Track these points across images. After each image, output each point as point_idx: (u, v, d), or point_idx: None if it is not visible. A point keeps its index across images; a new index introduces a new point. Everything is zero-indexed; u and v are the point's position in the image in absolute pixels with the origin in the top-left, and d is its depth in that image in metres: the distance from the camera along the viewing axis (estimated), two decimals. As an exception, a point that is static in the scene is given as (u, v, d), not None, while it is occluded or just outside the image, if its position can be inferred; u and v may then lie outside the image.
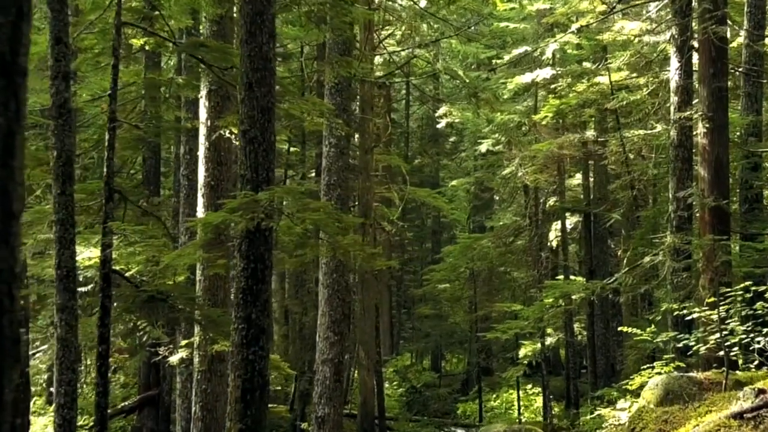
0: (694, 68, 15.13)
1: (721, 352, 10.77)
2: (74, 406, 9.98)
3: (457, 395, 32.42)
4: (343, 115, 15.43)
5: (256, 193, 8.63)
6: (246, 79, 9.06)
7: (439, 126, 32.80)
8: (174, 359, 12.78)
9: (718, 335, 10.74)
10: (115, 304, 11.53)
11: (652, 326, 11.36)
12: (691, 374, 10.67)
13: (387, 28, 25.89)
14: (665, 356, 11.91)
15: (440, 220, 39.24)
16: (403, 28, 25.50)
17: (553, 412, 27.19)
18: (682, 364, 10.34)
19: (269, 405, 26.97)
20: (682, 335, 11.69)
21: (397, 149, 35.18)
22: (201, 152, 12.84)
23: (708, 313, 10.67)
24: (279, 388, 28.88)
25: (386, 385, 31.93)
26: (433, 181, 38.94)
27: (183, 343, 12.79)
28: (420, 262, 39.39)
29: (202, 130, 12.86)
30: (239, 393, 8.79)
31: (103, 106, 19.03)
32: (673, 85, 14.77)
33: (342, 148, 15.55)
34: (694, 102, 14.87)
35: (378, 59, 27.53)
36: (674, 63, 14.78)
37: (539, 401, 28.21)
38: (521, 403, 28.86)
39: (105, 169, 11.11)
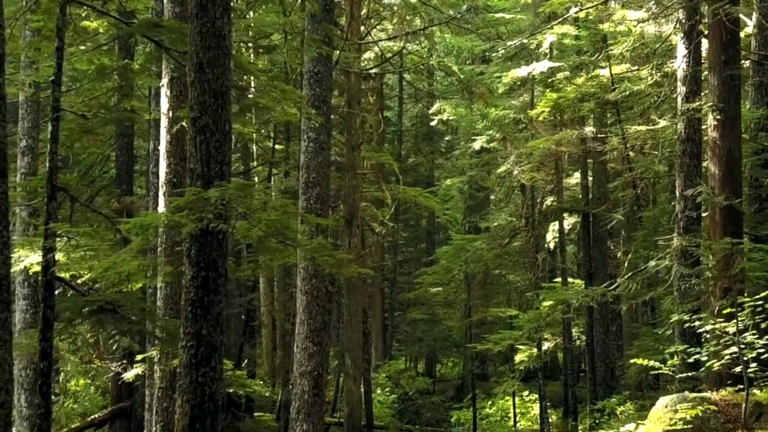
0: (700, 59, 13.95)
1: (737, 368, 9.63)
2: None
3: (451, 402, 31.28)
4: (322, 107, 14.25)
5: (206, 190, 7.46)
6: (196, 58, 7.90)
7: (432, 124, 31.72)
8: (129, 375, 11.61)
9: (733, 349, 9.60)
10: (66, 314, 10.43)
11: (674, 358, 10.12)
12: (704, 394, 9.51)
13: (377, 21, 24.76)
14: (679, 379, 10.68)
15: (435, 220, 38.14)
16: (395, 20, 24.38)
17: (551, 420, 26.09)
18: (712, 407, 9.10)
19: (256, 414, 25.89)
20: (692, 349, 10.52)
21: (390, 147, 34.14)
22: (162, 146, 11.64)
23: (724, 325, 9.50)
24: (267, 394, 27.78)
25: (378, 391, 30.79)
26: (427, 180, 37.85)
27: (139, 357, 11.60)
28: (415, 264, 38.27)
29: (164, 122, 11.67)
30: (187, 421, 7.63)
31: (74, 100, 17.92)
32: (680, 73, 13.60)
33: (322, 143, 14.35)
34: (703, 93, 13.71)
35: (371, 55, 26.42)
36: (681, 50, 13.62)
37: (536, 408, 27.04)
38: (517, 410, 27.71)
39: (48, 164, 9.97)
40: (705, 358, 10.17)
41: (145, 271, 8.89)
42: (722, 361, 9.84)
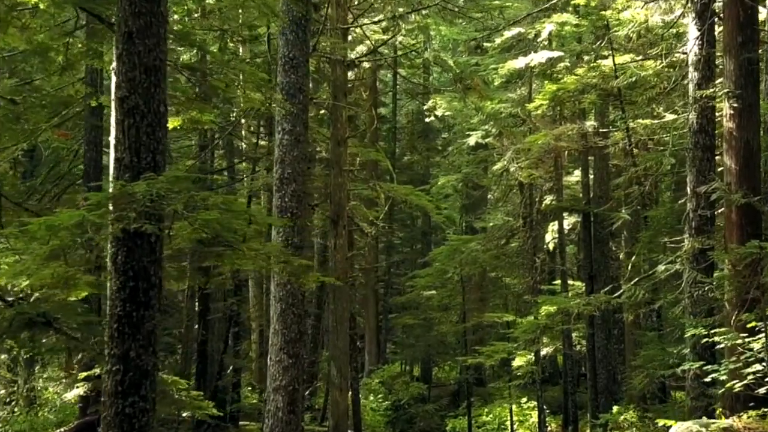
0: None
1: (762, 390, 8.38)
2: None
3: (447, 409, 30.02)
4: (298, 95, 12.96)
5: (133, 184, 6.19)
6: (124, 27, 6.63)
7: (427, 120, 30.55)
8: (70, 396, 10.33)
9: (757, 367, 8.35)
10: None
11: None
12: (727, 422, 8.24)
13: (367, 6, 23.50)
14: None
15: (431, 220, 36.95)
16: (387, 9, 23.18)
17: (550, 429, 24.90)
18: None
19: (241, 423, 24.63)
20: (709, 366, 9.26)
21: (385, 145, 32.98)
22: (112, 136, 10.34)
23: (748, 340, 8.24)
24: (255, 401, 26.57)
25: (371, 398, 29.60)
26: (423, 179, 36.66)
27: (82, 375, 10.31)
28: (411, 265, 37.09)
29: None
30: (111, 461, 6.36)
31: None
32: (691, 57, 12.31)
33: (298, 135, 13.06)
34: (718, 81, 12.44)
35: (362, 48, 25.23)
36: (693, 32, 12.35)
37: (535, 416, 25.80)
38: (516, 418, 26.45)
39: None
40: (724, 377, 8.92)
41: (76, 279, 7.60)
42: (745, 381, 8.59)
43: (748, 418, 8.34)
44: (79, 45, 9.61)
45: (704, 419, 8.40)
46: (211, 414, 11.20)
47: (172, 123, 9.94)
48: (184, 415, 20.72)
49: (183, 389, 10.50)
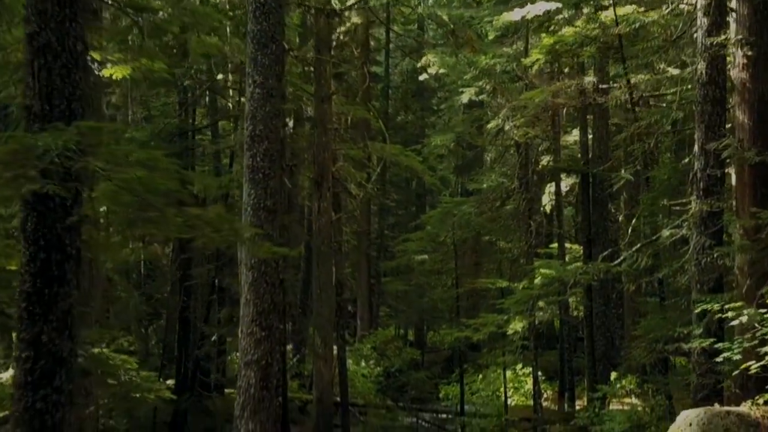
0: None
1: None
2: None
3: (441, 375, 29.21)
4: (270, 44, 11.84)
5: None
6: (32, -52, 5.54)
7: (422, 78, 29.39)
8: (5, 377, 9.37)
9: (775, 346, 7.37)
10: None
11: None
12: (741, 410, 7.26)
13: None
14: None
15: (425, 182, 35.98)
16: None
17: (546, 395, 24.11)
18: None
19: (227, 391, 23.68)
20: (720, 344, 8.28)
21: (378, 104, 31.90)
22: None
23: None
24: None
25: (362, 363, 28.77)
26: (417, 140, 35.58)
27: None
28: (405, 228, 36.15)
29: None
30: (19, 465, 5.37)
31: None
32: (700, 2, 11.20)
33: (270, 89, 11.96)
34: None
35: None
36: (703, -27, 11.23)
37: (530, 383, 24.97)
38: (511, 384, 25.63)
39: None
40: (738, 357, 7.95)
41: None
42: (763, 362, 7.61)
43: (766, 404, 7.39)
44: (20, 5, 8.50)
45: (716, 406, 7.43)
46: (164, 397, 10.23)
47: (121, 72, 8.88)
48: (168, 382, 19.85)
49: (132, 369, 9.52)
